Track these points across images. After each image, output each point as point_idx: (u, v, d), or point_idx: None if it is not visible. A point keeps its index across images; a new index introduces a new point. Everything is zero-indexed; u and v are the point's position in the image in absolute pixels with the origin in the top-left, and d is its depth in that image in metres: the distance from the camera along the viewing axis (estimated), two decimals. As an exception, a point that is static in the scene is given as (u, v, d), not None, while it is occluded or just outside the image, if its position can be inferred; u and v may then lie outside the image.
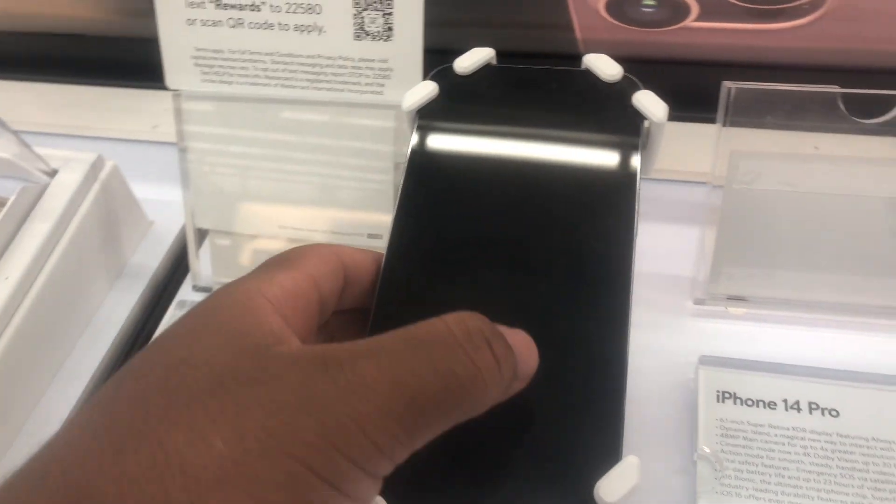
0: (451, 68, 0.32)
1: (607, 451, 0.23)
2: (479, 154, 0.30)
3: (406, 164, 0.30)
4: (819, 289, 0.39)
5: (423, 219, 0.28)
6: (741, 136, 0.38)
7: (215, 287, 0.45)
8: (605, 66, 0.31)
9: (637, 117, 0.29)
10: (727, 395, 0.35)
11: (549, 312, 0.26)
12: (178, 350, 0.21)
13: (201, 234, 0.45)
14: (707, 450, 0.33)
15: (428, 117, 0.31)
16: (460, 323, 0.21)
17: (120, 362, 0.44)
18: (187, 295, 0.45)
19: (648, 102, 0.29)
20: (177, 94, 0.42)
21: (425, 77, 0.34)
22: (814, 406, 0.34)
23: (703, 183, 0.40)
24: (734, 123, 0.38)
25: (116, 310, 0.45)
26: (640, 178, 0.28)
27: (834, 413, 0.34)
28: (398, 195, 0.29)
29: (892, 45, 0.49)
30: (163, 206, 0.50)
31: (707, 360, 0.36)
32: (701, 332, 0.40)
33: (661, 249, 0.42)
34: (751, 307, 0.40)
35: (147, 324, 0.45)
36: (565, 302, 0.26)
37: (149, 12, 0.60)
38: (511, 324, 0.23)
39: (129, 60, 0.63)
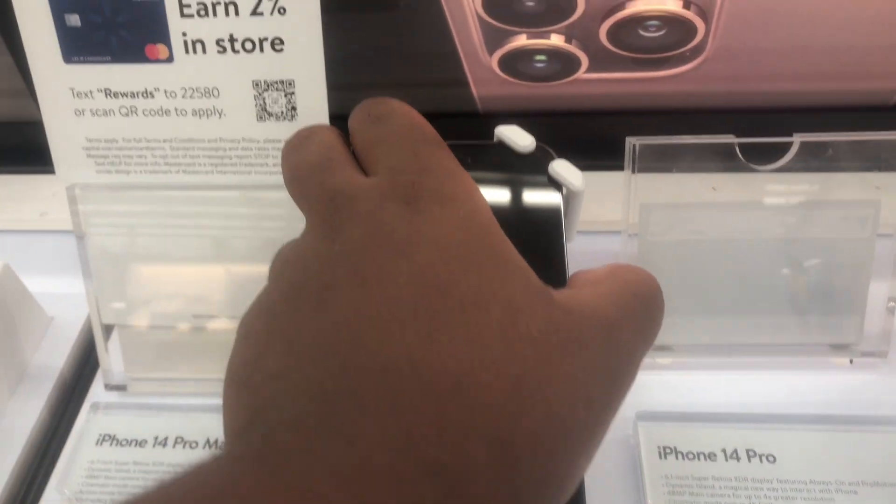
0: None
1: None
2: None
3: None
4: (740, 332, 0.41)
5: None
6: (648, 183, 0.39)
7: (130, 384, 0.42)
8: (517, 138, 0.31)
9: (555, 187, 0.29)
10: (668, 450, 0.35)
11: None
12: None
13: (108, 328, 0.42)
14: (655, 509, 0.33)
15: None
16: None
17: (29, 477, 0.40)
18: (100, 396, 0.42)
19: (565, 171, 0.29)
20: (70, 188, 0.39)
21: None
22: (751, 453, 0.35)
23: (616, 232, 0.41)
24: (642, 174, 0.39)
25: (21, 418, 0.42)
26: (567, 246, 0.28)
27: (771, 459, 0.35)
28: None
29: (773, 82, 0.52)
30: (61, 300, 0.47)
31: (644, 416, 0.37)
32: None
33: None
34: (676, 356, 0.41)
35: (58, 430, 0.42)
36: None
37: (25, 93, 0.57)
38: None
39: (6, 145, 0.59)
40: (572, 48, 0.52)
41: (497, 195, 0.29)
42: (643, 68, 0.53)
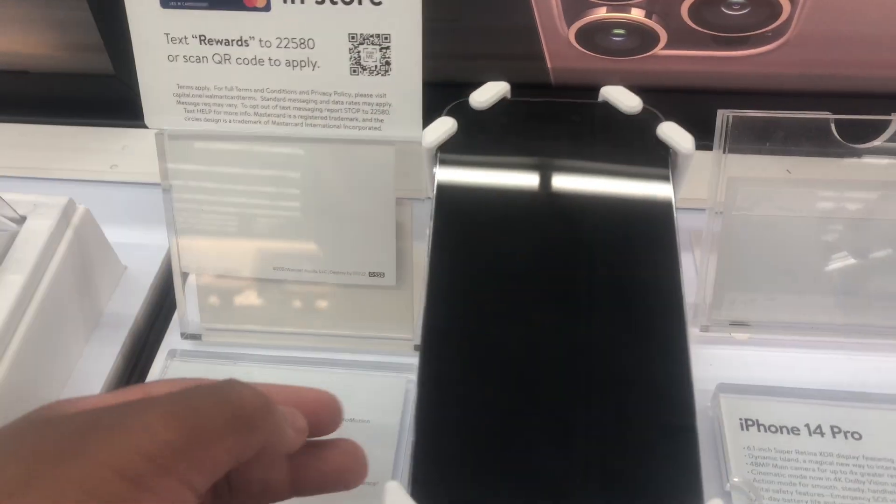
0: (466, 103, 0.32)
1: (688, 492, 0.23)
2: (509, 190, 0.29)
3: (434, 203, 0.29)
4: (819, 311, 0.40)
5: (459, 257, 0.27)
6: (736, 158, 0.38)
7: (204, 334, 0.43)
8: (624, 99, 0.31)
9: (664, 149, 0.29)
10: (750, 422, 0.35)
11: (612, 349, 0.25)
12: None
13: (184, 278, 0.43)
14: (739, 479, 0.33)
15: (450, 153, 0.30)
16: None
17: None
18: (176, 343, 0.43)
19: (675, 134, 0.29)
20: (159, 134, 0.40)
21: (426, 111, 0.33)
22: (836, 430, 0.34)
23: (697, 209, 0.41)
24: (732, 150, 0.38)
25: (96, 364, 0.42)
26: (676, 209, 0.28)
27: (857, 436, 0.34)
28: (430, 234, 0.28)
29: (854, 68, 0.51)
30: (134, 250, 0.48)
31: (725, 388, 0.36)
32: (708, 358, 0.40)
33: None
34: (754, 332, 0.41)
35: (132, 377, 0.43)
36: (626, 337, 0.25)
37: (96, 47, 0.57)
38: (568, 361, 0.22)
39: (78, 97, 0.60)
40: (652, 23, 0.51)
41: (605, 155, 0.29)
42: (723, 47, 0.52)
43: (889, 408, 0.35)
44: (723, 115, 0.38)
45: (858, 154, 0.38)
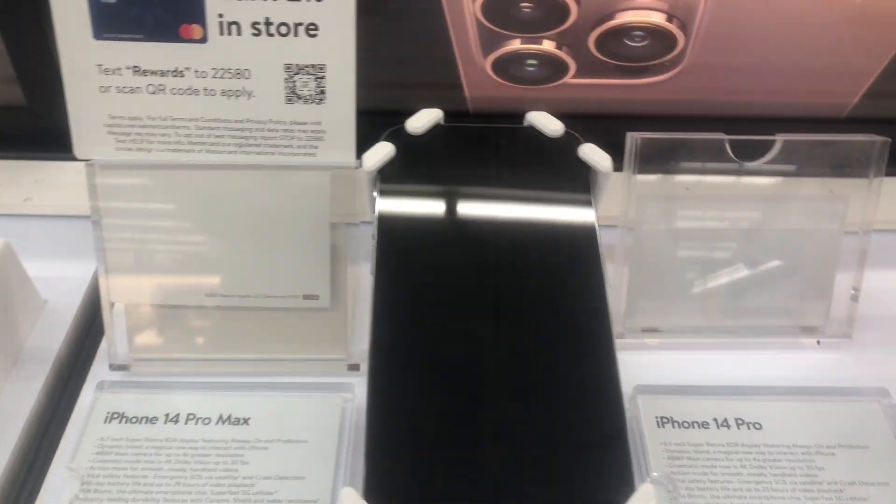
0: (403, 129, 0.34)
1: (621, 481, 0.25)
2: (446, 210, 0.31)
3: (376, 224, 0.31)
4: (720, 315, 0.44)
5: (401, 274, 0.29)
6: (645, 181, 0.42)
7: (133, 365, 0.43)
8: (548, 123, 0.33)
9: (585, 168, 0.32)
10: (665, 419, 0.38)
11: (545, 357, 0.27)
12: None
13: (113, 308, 0.43)
14: (658, 474, 0.36)
15: (389, 176, 0.32)
16: None
17: (30, 458, 0.40)
18: (104, 375, 0.43)
19: (594, 154, 0.32)
20: (90, 164, 0.40)
21: (359, 137, 0.35)
22: (740, 422, 0.38)
23: (610, 226, 0.44)
24: (640, 170, 0.42)
25: (18, 401, 0.41)
26: (598, 224, 0.31)
27: (758, 426, 0.38)
28: (374, 255, 0.30)
29: (741, 95, 0.57)
30: (53, 283, 0.47)
31: (642, 389, 0.39)
32: (625, 363, 0.43)
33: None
34: (664, 337, 0.44)
35: (56, 412, 0.42)
36: (558, 344, 0.28)
37: (7, 79, 0.56)
38: (506, 369, 0.24)
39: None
40: (562, 54, 0.55)
41: (532, 176, 0.32)
42: (627, 76, 0.56)
43: (784, 399, 0.39)
44: (632, 138, 0.41)
45: (750, 171, 0.42)
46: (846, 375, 0.42)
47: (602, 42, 0.54)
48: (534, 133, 0.33)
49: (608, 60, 0.55)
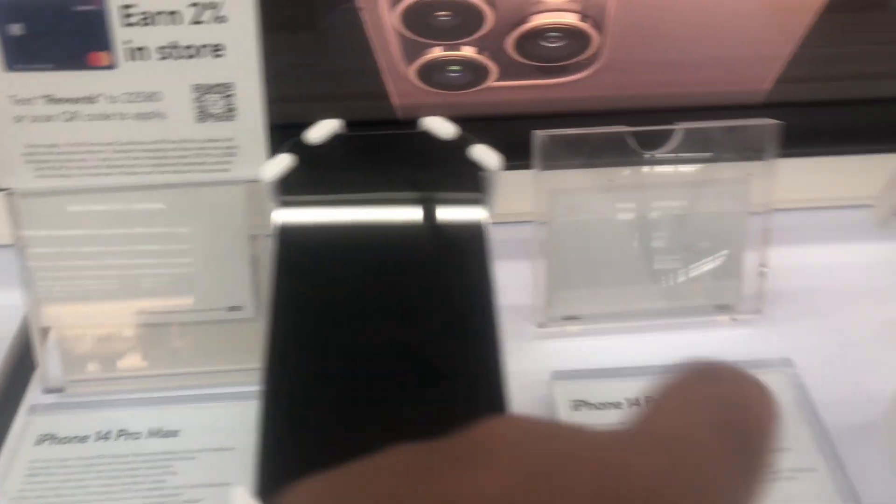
0: (301, 140, 0.35)
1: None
2: (344, 217, 0.33)
3: (275, 234, 0.32)
4: (638, 299, 0.46)
5: (299, 284, 0.31)
6: (553, 176, 0.44)
7: (67, 386, 0.44)
8: (441, 127, 0.35)
9: (476, 169, 0.34)
10: (581, 403, 0.39)
11: (429, 353, 0.29)
12: None
13: (43, 334, 0.44)
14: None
15: (289, 187, 0.33)
16: None
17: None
18: (37, 399, 0.44)
19: (484, 154, 0.34)
20: (10, 194, 0.41)
21: (273, 150, 0.36)
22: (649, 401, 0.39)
23: (529, 222, 0.46)
24: (549, 166, 0.43)
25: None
26: (491, 221, 0.32)
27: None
28: (272, 265, 0.31)
29: (660, 87, 0.59)
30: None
31: (559, 375, 0.41)
32: (547, 351, 0.45)
33: (504, 284, 0.46)
34: (584, 324, 0.46)
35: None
36: (445, 338, 0.29)
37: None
38: (392, 366, 0.26)
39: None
40: (483, 59, 0.57)
41: (426, 178, 0.33)
42: (547, 76, 0.58)
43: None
44: (537, 136, 0.43)
45: (654, 160, 0.44)
46: (758, 349, 0.44)
47: (520, 45, 0.56)
48: (429, 137, 0.35)
49: (528, 62, 0.57)
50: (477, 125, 0.60)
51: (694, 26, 0.55)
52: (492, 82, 0.58)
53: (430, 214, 0.32)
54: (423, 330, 0.29)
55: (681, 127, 0.43)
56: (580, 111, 0.60)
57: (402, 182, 0.33)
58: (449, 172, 0.34)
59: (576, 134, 0.43)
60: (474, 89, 0.59)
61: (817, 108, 0.59)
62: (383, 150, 0.35)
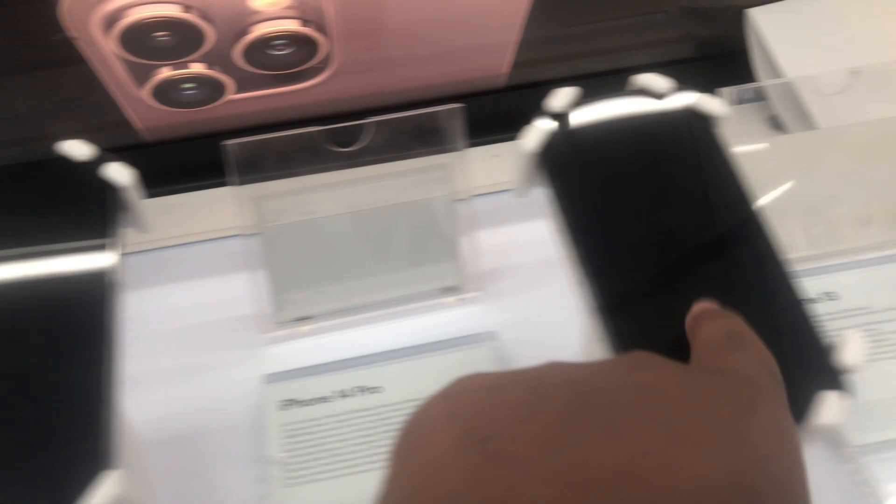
0: None
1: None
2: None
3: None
4: (363, 293, 0.47)
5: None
6: (255, 185, 0.44)
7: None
8: (77, 149, 0.34)
9: (109, 187, 0.33)
10: (289, 402, 0.40)
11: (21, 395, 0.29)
12: None
13: None
14: (275, 454, 0.38)
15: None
16: None
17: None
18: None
19: (115, 172, 0.34)
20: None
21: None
22: (359, 389, 0.40)
23: (232, 236, 0.46)
24: (247, 178, 0.43)
25: None
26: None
27: (378, 390, 0.40)
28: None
29: (399, 83, 0.60)
30: None
31: (272, 378, 0.41)
32: (274, 356, 0.45)
33: (231, 297, 0.47)
34: (315, 322, 0.46)
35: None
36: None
37: None
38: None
39: None
40: (215, 73, 0.56)
41: (59, 207, 0.33)
42: (286, 83, 0.58)
43: (404, 360, 0.42)
44: (227, 146, 0.43)
45: (350, 156, 0.45)
46: (483, 324, 0.46)
47: (249, 55, 0.56)
48: (64, 162, 0.34)
49: (262, 72, 0.57)
50: (227, 139, 0.60)
51: (420, 22, 0.57)
52: (231, 95, 0.58)
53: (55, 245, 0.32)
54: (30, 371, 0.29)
55: (371, 121, 0.44)
56: (329, 114, 0.61)
57: (36, 216, 0.33)
58: (85, 194, 0.33)
59: (267, 139, 0.43)
60: (217, 103, 0.58)
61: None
62: (15, 182, 0.34)
